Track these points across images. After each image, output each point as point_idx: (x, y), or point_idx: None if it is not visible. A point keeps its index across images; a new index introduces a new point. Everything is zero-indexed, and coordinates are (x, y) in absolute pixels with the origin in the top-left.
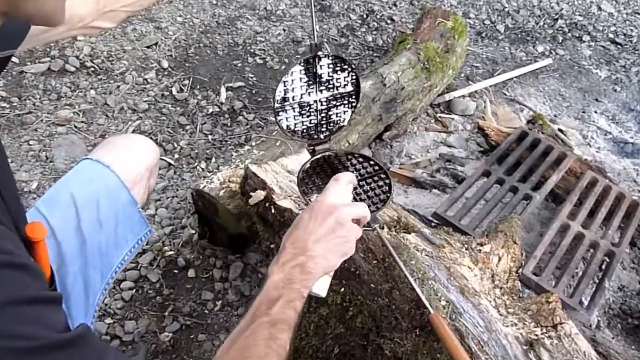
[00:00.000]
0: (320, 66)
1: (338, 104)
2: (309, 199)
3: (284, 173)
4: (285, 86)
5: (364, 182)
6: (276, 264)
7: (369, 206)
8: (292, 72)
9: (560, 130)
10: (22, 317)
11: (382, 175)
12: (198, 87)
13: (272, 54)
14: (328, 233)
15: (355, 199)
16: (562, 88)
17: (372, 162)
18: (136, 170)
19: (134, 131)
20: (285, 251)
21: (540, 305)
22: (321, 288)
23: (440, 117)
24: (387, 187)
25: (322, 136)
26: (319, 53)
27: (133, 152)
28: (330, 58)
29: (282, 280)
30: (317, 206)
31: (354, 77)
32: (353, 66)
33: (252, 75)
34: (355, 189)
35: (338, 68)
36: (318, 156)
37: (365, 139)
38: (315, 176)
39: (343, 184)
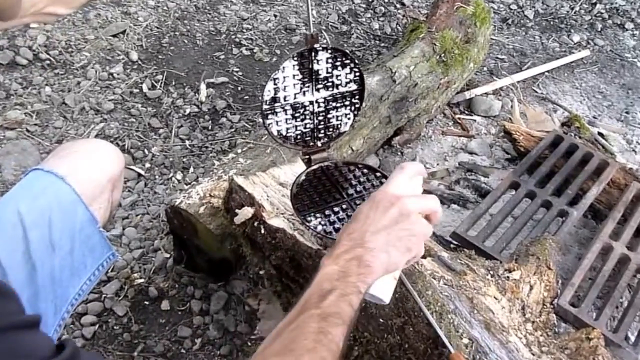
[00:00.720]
0: (317, 61)
1: (338, 105)
2: (305, 219)
3: (275, 186)
4: (275, 84)
5: (369, 196)
6: (329, 256)
7: None
8: (283, 68)
9: (600, 134)
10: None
11: None
12: (173, 83)
13: (261, 44)
14: (390, 225)
15: None
16: (602, 84)
17: (378, 174)
18: (96, 182)
19: (96, 136)
20: (341, 243)
21: (579, 342)
22: (384, 291)
23: (459, 118)
24: None
25: (319, 143)
26: (316, 45)
27: (93, 161)
28: (330, 51)
29: (337, 272)
30: (379, 195)
31: (357, 73)
32: (356, 61)
33: (237, 69)
34: (359, 204)
35: (339, 63)
36: (315, 167)
37: (371, 145)
38: (312, 190)
39: (410, 172)
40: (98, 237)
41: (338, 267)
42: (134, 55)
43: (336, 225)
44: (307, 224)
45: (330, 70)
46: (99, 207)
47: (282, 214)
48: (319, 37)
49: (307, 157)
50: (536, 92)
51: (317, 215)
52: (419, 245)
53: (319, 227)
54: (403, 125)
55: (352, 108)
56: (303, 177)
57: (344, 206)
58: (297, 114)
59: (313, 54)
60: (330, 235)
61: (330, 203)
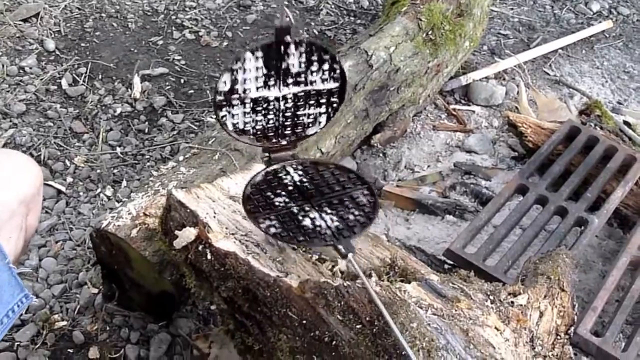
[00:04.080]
0: (289, 55)
1: (312, 103)
2: (256, 220)
3: (224, 200)
4: (234, 76)
5: (337, 200)
6: None
7: (342, 229)
8: (244, 59)
9: (626, 123)
10: None
11: (365, 192)
12: (100, 76)
13: (208, 25)
14: None
15: (326, 223)
16: (628, 62)
17: (351, 175)
18: (4, 206)
19: (4, 145)
20: None
21: None
22: None
23: (454, 109)
24: (370, 206)
25: (283, 141)
26: (288, 39)
27: (0, 177)
28: (304, 46)
29: None
30: None
31: (337, 71)
32: (337, 57)
33: (179, 58)
34: (324, 208)
35: (315, 59)
36: (276, 166)
37: (345, 145)
38: (270, 192)
39: None
40: (7, 275)
41: None
42: (50, 44)
43: (293, 230)
44: (259, 224)
45: (304, 66)
46: (9, 237)
47: (233, 234)
48: (292, 28)
49: (267, 155)
50: (548, 74)
51: (272, 217)
52: None
53: (272, 230)
54: (384, 120)
55: (330, 108)
56: (260, 177)
57: (306, 208)
58: (258, 108)
59: (283, 48)
60: (285, 238)
61: (289, 205)
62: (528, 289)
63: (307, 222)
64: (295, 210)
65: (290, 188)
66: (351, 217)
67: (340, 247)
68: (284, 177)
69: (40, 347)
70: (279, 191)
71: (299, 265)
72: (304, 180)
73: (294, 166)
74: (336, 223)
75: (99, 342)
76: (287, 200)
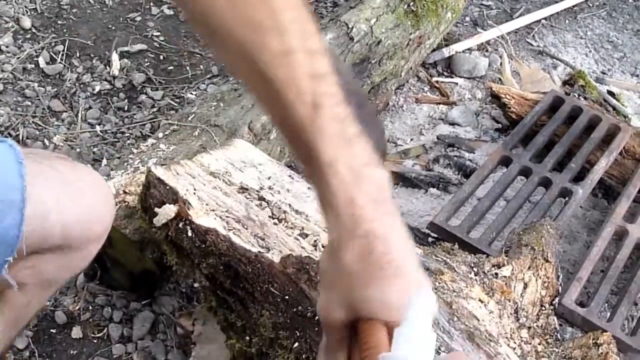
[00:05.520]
0: None
1: None
2: None
3: (204, 177)
4: None
5: None
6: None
7: None
8: None
9: (610, 93)
10: None
11: None
12: (78, 54)
13: None
14: None
15: None
16: (612, 32)
17: None
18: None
19: None
20: None
21: (587, 349)
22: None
23: (437, 82)
24: None
25: None
26: None
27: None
28: None
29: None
30: None
31: None
32: None
33: (158, 34)
34: None
35: None
36: None
37: None
38: None
39: None
40: None
41: None
42: (27, 22)
43: None
44: None
45: None
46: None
47: (214, 210)
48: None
49: None
50: (531, 45)
51: None
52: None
53: None
54: (366, 93)
55: None
56: None
57: None
58: None
59: None
60: None
61: None
62: (512, 260)
63: None
64: None
65: None
66: None
67: None
68: None
69: (22, 328)
70: None
71: (281, 241)
72: None
73: None
74: None
75: (82, 321)
76: None
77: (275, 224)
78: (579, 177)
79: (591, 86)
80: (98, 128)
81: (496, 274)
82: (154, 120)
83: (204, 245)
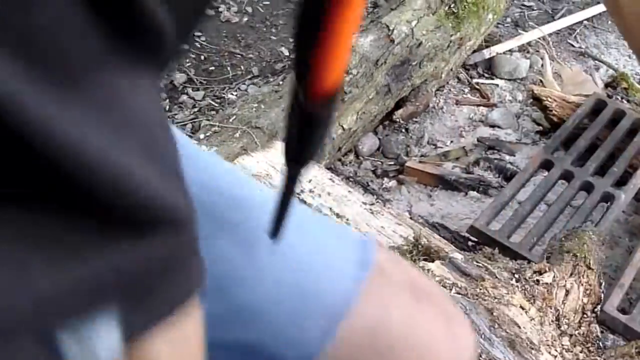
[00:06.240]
0: None
1: None
2: None
3: None
4: None
5: None
6: None
7: None
8: None
9: None
10: None
11: None
12: None
13: (228, 1)
14: None
15: None
16: None
17: None
18: None
19: None
20: None
21: (629, 358)
22: None
23: (477, 83)
24: None
25: None
26: None
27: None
28: None
29: None
30: None
31: None
32: None
33: (199, 34)
34: None
35: None
36: None
37: (367, 121)
38: None
39: None
40: None
41: None
42: None
43: None
44: None
45: None
46: None
47: None
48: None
49: None
50: (573, 46)
51: None
52: None
53: None
54: (406, 95)
55: None
56: None
57: None
58: None
59: None
60: None
61: None
62: (554, 267)
63: None
64: None
65: None
66: None
67: None
68: None
69: None
70: None
71: None
72: None
73: None
74: None
75: None
76: None
77: None
78: (621, 182)
79: (634, 89)
80: None
81: (538, 280)
82: (195, 120)
83: None
